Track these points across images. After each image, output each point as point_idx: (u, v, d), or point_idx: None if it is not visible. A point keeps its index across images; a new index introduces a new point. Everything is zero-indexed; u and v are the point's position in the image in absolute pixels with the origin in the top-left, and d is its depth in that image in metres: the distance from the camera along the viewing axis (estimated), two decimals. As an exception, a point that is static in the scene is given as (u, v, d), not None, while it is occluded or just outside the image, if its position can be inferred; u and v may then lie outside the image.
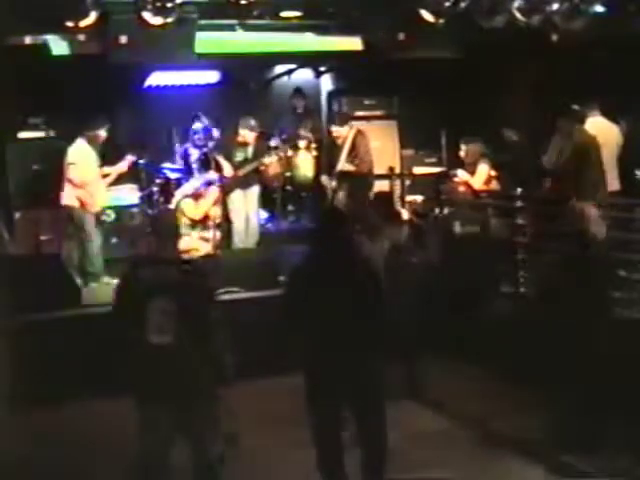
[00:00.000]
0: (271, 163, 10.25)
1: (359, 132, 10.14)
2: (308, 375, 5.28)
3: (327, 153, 10.18)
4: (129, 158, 9.70)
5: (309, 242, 5.52)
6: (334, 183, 9.96)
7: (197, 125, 10.48)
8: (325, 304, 5.13)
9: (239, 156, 10.24)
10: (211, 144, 10.23)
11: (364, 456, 5.35)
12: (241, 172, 10.14)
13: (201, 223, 9.75)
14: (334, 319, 5.13)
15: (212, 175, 10.17)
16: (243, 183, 10.20)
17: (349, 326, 5.15)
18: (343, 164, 9.90)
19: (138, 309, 5.01)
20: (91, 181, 9.14)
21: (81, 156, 9.15)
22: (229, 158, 10.22)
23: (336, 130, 10.00)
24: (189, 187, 10.09)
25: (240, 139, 10.18)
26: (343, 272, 5.20)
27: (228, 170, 10.15)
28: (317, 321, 5.16)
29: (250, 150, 10.24)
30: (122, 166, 9.64)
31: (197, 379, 5.08)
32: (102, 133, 9.27)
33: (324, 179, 10.10)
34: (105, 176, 9.47)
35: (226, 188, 10.14)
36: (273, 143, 10.91)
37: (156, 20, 7.98)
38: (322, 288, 5.15)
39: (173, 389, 5.01)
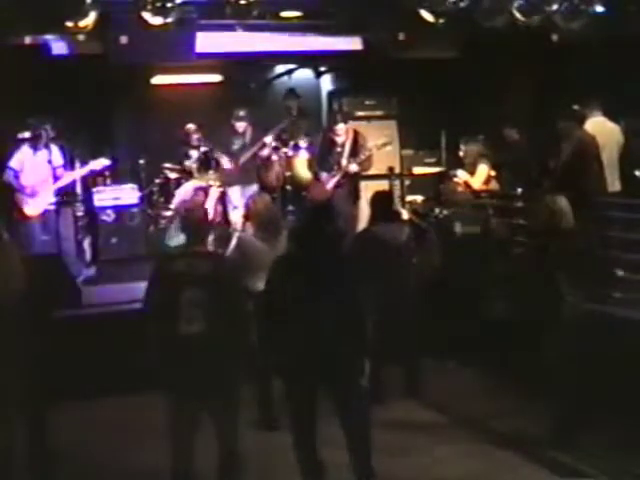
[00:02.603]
0: (270, 143, 10.19)
1: (357, 133, 10.13)
2: (286, 365, 5.32)
3: (326, 151, 10.12)
4: (100, 161, 9.54)
5: (295, 236, 5.52)
6: (333, 180, 9.92)
7: (191, 126, 10.50)
8: (306, 295, 5.16)
9: (237, 144, 10.19)
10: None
11: (349, 442, 5.33)
12: (242, 159, 10.08)
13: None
14: (314, 310, 5.16)
15: (211, 175, 10.19)
16: (243, 180, 10.13)
17: (326, 316, 5.16)
18: (346, 163, 9.86)
19: (169, 300, 5.14)
20: (31, 185, 9.01)
21: (20, 161, 9.05)
22: (228, 148, 10.17)
23: (340, 128, 9.97)
24: (189, 187, 10.09)
25: (235, 129, 10.17)
26: (327, 269, 5.22)
27: (227, 165, 10.13)
28: (298, 312, 5.18)
29: (247, 137, 10.18)
30: (80, 171, 9.52)
31: (226, 368, 5.18)
32: (43, 132, 9.07)
33: (324, 176, 10.03)
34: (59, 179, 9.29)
35: (226, 181, 10.08)
36: (272, 143, 10.92)
37: (156, 20, 7.99)
38: (303, 282, 5.18)
39: (202, 378, 5.12)
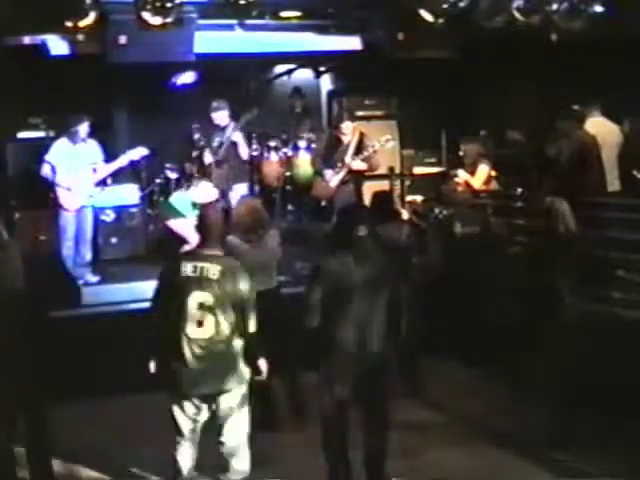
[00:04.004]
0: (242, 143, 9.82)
1: (363, 133, 10.08)
2: (322, 371, 5.35)
3: (331, 148, 10.06)
4: (138, 151, 9.33)
5: (334, 238, 5.51)
6: (338, 177, 9.86)
7: (195, 126, 10.45)
8: (349, 301, 5.19)
9: (216, 141, 9.82)
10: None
11: (366, 453, 5.37)
12: (219, 157, 9.74)
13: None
14: (358, 316, 5.19)
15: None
16: (226, 177, 9.81)
17: (372, 324, 5.21)
18: (351, 161, 9.81)
19: (178, 303, 5.14)
20: (69, 179, 8.89)
21: (58, 155, 8.94)
22: (209, 144, 9.81)
23: (347, 126, 9.90)
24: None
25: (213, 121, 9.78)
26: (367, 267, 5.24)
27: (244, 155, 9.81)
28: (340, 317, 5.21)
29: (227, 132, 9.76)
30: (118, 162, 9.28)
31: (233, 368, 5.21)
32: (82, 129, 8.95)
33: (328, 173, 9.95)
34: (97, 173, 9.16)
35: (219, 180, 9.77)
36: (273, 143, 10.92)
37: (156, 20, 7.99)
38: (346, 287, 5.20)
39: (210, 380, 5.15)
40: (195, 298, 5.15)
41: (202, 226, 5.46)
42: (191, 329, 5.15)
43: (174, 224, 9.38)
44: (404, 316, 5.37)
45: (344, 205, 8.24)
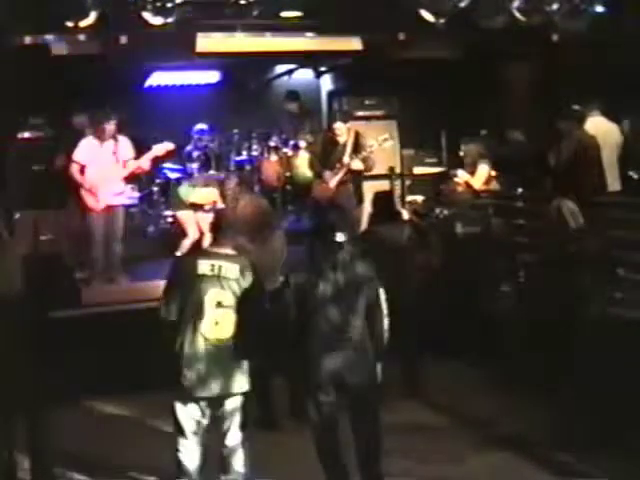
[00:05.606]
0: None
1: (359, 133, 10.08)
2: (306, 374, 5.31)
3: (327, 150, 10.07)
4: (164, 146, 9.28)
5: (310, 241, 5.51)
6: (337, 178, 9.84)
7: (199, 126, 10.48)
8: (326, 302, 5.15)
9: None
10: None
11: (360, 453, 5.34)
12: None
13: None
14: (335, 318, 5.16)
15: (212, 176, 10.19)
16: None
17: (350, 325, 5.17)
18: (349, 161, 9.80)
19: (193, 301, 5.12)
20: (96, 179, 8.81)
21: (85, 154, 8.87)
22: None
23: (339, 127, 9.91)
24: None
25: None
26: (346, 272, 5.21)
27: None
28: (318, 320, 5.18)
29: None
30: (144, 159, 9.20)
31: (241, 371, 5.21)
32: (109, 127, 8.86)
33: (327, 174, 9.94)
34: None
35: None
36: (273, 143, 10.91)
37: (156, 20, 7.98)
38: (324, 287, 5.17)
39: (222, 379, 5.14)
40: (213, 297, 5.12)
41: (217, 225, 5.47)
42: (207, 328, 5.12)
43: (180, 215, 9.56)
44: (385, 320, 5.35)
45: (322, 208, 8.27)
